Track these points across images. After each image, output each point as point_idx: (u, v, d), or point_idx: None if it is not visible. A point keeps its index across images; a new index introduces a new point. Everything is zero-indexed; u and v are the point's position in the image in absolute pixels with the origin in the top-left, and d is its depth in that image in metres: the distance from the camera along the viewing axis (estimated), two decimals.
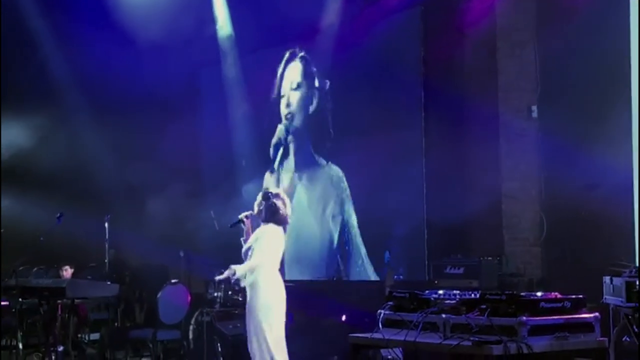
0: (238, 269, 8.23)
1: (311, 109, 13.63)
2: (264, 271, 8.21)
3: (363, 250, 12.69)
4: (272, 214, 8.28)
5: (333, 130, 13.25)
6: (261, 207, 8.35)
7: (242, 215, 8.49)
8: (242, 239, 8.58)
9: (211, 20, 14.56)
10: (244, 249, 8.47)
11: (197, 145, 15.44)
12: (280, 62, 14.03)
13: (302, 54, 13.75)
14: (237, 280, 8.42)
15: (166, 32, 13.52)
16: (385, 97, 12.39)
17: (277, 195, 8.40)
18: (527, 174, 11.07)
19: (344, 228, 12.98)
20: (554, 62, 10.79)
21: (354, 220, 12.85)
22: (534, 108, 11.03)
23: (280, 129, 14.03)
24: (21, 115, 14.45)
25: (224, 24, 14.55)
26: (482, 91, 11.22)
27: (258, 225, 8.54)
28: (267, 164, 14.36)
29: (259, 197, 8.42)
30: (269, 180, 14.24)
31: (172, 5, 13.61)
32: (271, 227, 8.30)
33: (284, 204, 8.36)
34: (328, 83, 13.27)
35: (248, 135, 14.59)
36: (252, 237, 8.41)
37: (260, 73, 14.28)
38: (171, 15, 13.53)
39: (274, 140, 14.13)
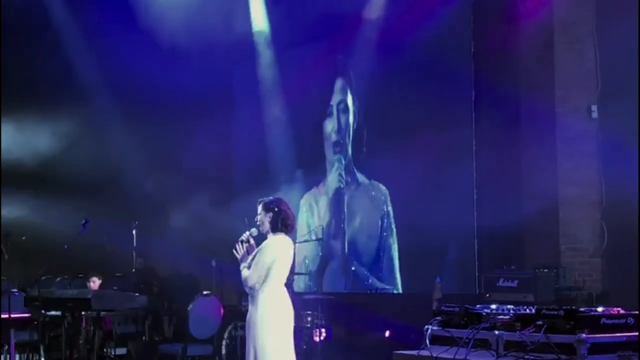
0: (243, 270, 7.91)
1: (352, 120, 13.76)
2: (265, 288, 7.81)
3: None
4: (282, 223, 7.91)
5: (373, 135, 13.39)
6: (266, 220, 7.90)
7: (243, 237, 7.96)
8: (249, 257, 7.99)
9: (245, 17, 14.70)
10: (247, 264, 7.96)
11: (229, 148, 15.61)
12: (319, 60, 14.14)
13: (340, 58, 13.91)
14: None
15: (197, 33, 13.68)
16: (431, 96, 12.44)
17: (279, 201, 8.05)
18: (587, 178, 11.05)
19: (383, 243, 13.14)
20: (615, 58, 10.74)
21: (394, 238, 13.04)
22: (594, 108, 11.00)
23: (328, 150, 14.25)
24: (47, 121, 14.71)
25: (259, 20, 14.69)
26: (537, 89, 11.23)
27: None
28: (300, 168, 14.49)
29: (260, 210, 7.95)
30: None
31: (204, 5, 13.76)
32: (278, 238, 7.91)
33: (288, 207, 8.08)
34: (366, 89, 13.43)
35: (282, 137, 14.72)
36: (255, 250, 7.96)
37: (297, 72, 14.41)
38: (202, 15, 13.70)
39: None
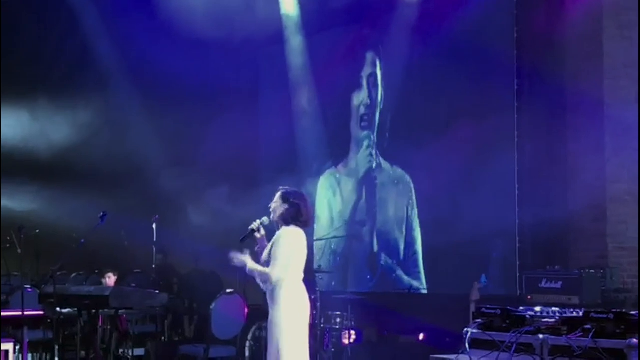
0: (249, 264, 7.94)
1: (380, 98, 13.69)
2: (284, 284, 7.82)
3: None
4: (294, 217, 7.91)
5: (403, 123, 13.34)
6: (281, 210, 7.90)
7: (254, 225, 8.03)
8: (256, 248, 8.12)
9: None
10: (262, 261, 8.00)
11: (254, 140, 15.57)
12: (350, 45, 14.07)
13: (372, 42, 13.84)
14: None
15: (220, 19, 13.66)
16: (470, 84, 12.35)
17: (299, 195, 8.06)
18: (636, 173, 10.93)
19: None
20: None
21: (418, 232, 13.01)
22: None
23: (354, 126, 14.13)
24: (63, 109, 14.74)
25: (288, 3, 14.65)
26: (584, 78, 11.15)
27: (274, 231, 8.12)
28: (331, 159, 14.45)
29: (277, 198, 7.97)
30: (324, 182, 14.37)
31: None
32: (292, 230, 7.91)
33: (307, 204, 8.08)
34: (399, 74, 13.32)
35: (312, 128, 14.67)
36: (270, 245, 7.98)
37: (328, 58, 14.35)
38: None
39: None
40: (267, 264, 7.89)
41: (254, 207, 14.05)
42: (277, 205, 7.93)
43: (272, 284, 7.80)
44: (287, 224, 7.89)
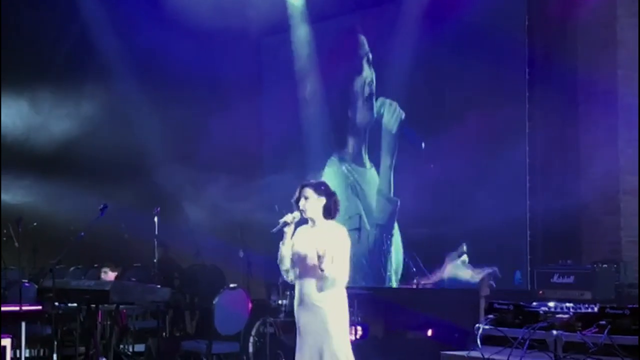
0: (327, 269, 7.40)
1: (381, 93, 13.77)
2: (338, 286, 7.62)
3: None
4: (335, 208, 7.74)
5: (417, 113, 13.33)
6: (317, 204, 7.67)
7: (289, 218, 7.72)
8: (281, 243, 7.78)
9: None
10: (286, 255, 7.73)
11: (259, 130, 15.58)
12: (352, 33, 14.06)
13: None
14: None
15: (224, 9, 13.66)
16: (480, 73, 12.32)
17: (328, 185, 7.89)
18: None
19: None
20: None
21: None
22: None
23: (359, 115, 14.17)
24: (64, 100, 14.73)
25: None
26: (598, 67, 11.13)
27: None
28: (338, 150, 14.46)
29: (309, 193, 7.68)
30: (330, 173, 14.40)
31: None
32: (342, 227, 7.79)
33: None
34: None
35: (317, 115, 14.67)
36: (318, 238, 7.59)
37: (333, 45, 14.34)
38: None
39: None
40: (300, 260, 7.64)
41: (257, 199, 14.13)
42: (311, 200, 7.68)
43: (340, 285, 7.58)
44: (327, 218, 7.72)
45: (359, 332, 11.78)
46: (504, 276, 11.77)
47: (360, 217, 13.69)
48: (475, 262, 12.04)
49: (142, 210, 12.57)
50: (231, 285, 11.96)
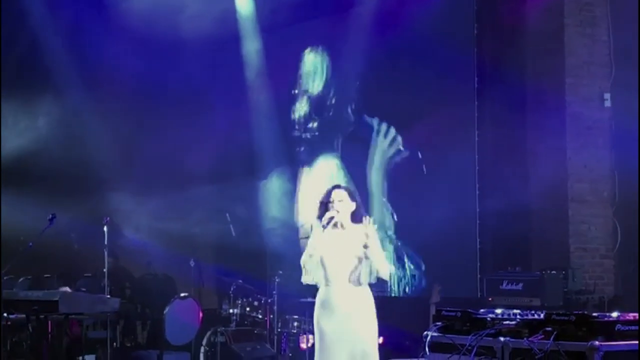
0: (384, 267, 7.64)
1: (333, 100, 13.80)
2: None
3: None
4: (362, 218, 7.71)
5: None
6: (351, 208, 7.71)
7: (333, 213, 7.66)
8: (307, 244, 7.78)
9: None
10: (314, 255, 7.67)
11: (213, 138, 15.55)
12: (306, 42, 14.16)
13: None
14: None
15: (176, 18, 13.66)
16: (430, 81, 12.36)
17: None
18: (598, 173, 11.07)
19: None
20: (631, 43, 10.74)
21: None
22: (607, 96, 11.03)
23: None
24: (10, 108, 14.58)
25: (242, 2, 14.64)
26: (546, 75, 11.23)
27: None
28: (288, 159, 14.50)
29: (344, 196, 7.71)
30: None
31: None
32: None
33: None
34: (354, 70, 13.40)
35: (270, 126, 14.70)
36: (350, 241, 7.64)
37: (284, 55, 14.37)
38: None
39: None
40: (328, 266, 7.63)
41: (207, 209, 14.12)
42: (345, 203, 7.72)
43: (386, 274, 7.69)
44: (355, 222, 7.72)
45: (311, 341, 11.79)
46: (454, 283, 11.84)
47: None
48: (425, 269, 12.11)
49: (92, 220, 12.48)
50: (182, 295, 11.95)
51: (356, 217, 7.72)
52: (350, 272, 7.55)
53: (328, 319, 7.58)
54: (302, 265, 7.71)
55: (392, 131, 12.90)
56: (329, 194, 7.75)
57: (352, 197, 7.78)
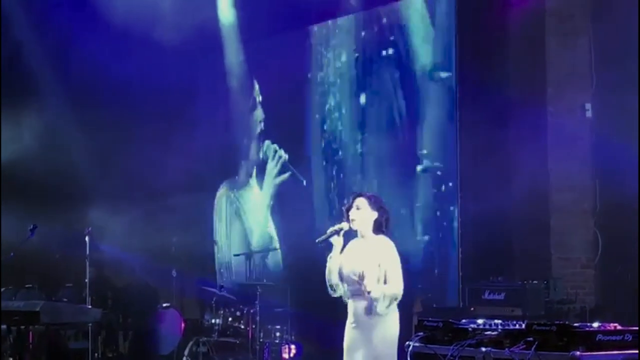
0: (375, 290, 7.12)
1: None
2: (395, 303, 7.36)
3: None
4: (387, 224, 7.46)
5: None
6: (371, 217, 7.34)
7: (339, 227, 7.39)
8: (329, 257, 7.45)
9: (210, 6, 14.62)
10: (334, 270, 7.39)
11: (196, 147, 15.55)
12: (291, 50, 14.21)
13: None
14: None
15: (159, 22, 13.65)
16: (411, 92, 12.44)
17: (383, 201, 7.61)
18: (580, 183, 11.10)
19: None
20: (612, 54, 10.81)
21: None
22: (588, 106, 11.06)
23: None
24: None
25: (225, 9, 14.63)
26: (527, 86, 11.27)
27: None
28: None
29: (364, 204, 7.36)
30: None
31: None
32: (390, 241, 7.42)
33: None
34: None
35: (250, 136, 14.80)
36: (368, 254, 7.31)
37: (268, 63, 14.39)
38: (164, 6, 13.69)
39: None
40: (347, 279, 7.34)
41: (191, 220, 14.11)
42: (366, 212, 7.37)
43: (382, 305, 7.22)
44: (377, 232, 7.41)
45: (293, 351, 11.80)
46: (436, 293, 11.86)
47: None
48: (406, 278, 12.09)
49: (73, 230, 12.45)
50: (164, 305, 11.93)
51: (377, 227, 7.42)
52: (364, 284, 7.15)
53: (352, 335, 7.49)
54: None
55: None
56: (351, 200, 7.46)
57: (374, 206, 7.41)
